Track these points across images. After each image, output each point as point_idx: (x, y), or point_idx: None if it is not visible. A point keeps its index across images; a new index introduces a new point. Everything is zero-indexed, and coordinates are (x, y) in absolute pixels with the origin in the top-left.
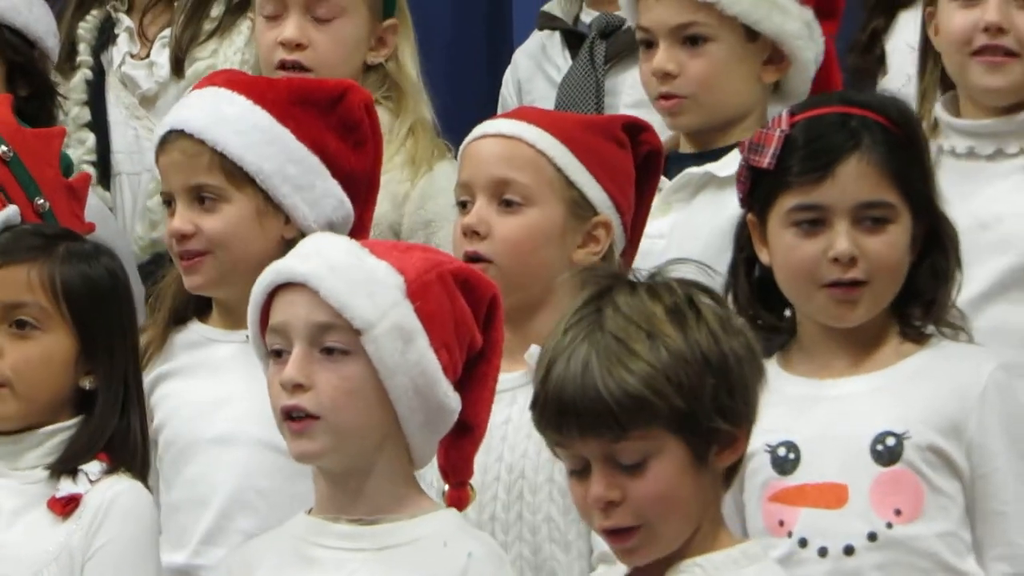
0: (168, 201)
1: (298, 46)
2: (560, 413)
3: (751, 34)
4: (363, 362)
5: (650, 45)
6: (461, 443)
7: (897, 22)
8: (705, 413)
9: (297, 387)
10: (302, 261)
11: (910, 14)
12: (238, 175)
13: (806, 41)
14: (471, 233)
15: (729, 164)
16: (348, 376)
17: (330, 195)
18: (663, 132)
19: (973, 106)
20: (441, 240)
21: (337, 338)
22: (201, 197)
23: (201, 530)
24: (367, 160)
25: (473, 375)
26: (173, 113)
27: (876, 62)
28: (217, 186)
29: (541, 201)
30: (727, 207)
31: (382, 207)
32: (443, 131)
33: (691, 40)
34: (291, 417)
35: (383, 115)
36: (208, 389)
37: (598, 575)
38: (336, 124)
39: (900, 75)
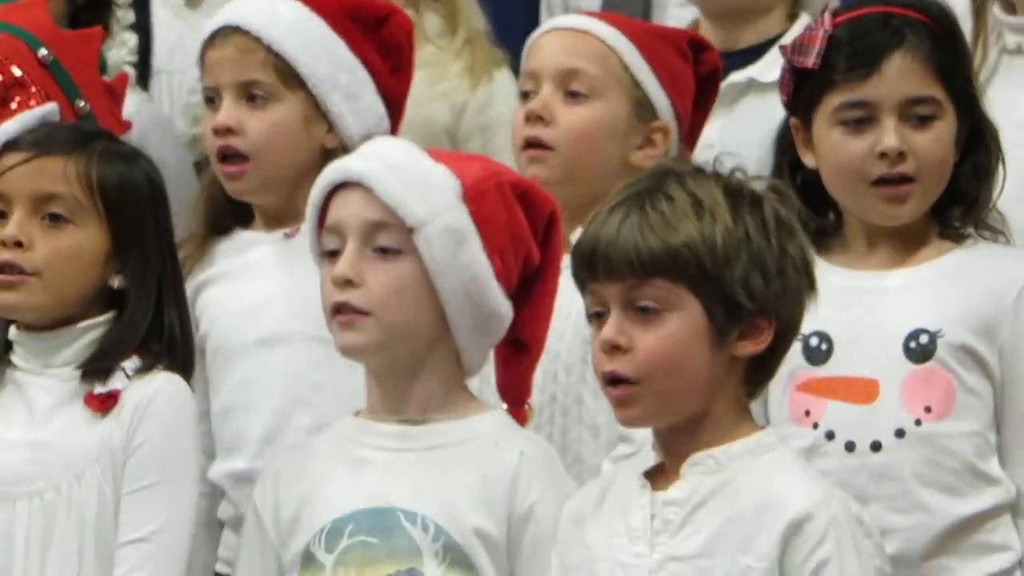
0: (211, 98)
1: None
2: (593, 252)
3: None
4: (415, 261)
5: None
6: (518, 361)
7: None
8: (731, 284)
9: (348, 283)
10: (360, 160)
11: None
12: (291, 76)
13: None
14: (535, 118)
15: (771, 69)
16: (399, 274)
17: (374, 109)
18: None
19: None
20: (498, 146)
21: (390, 237)
22: (252, 95)
23: (258, 433)
24: (401, 86)
25: (531, 292)
26: (228, 10)
27: None
28: (269, 83)
29: (607, 95)
30: (774, 114)
31: (440, 113)
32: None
33: None
34: (340, 311)
35: (435, 21)
36: (249, 292)
37: (616, 453)
38: (379, 44)
39: None
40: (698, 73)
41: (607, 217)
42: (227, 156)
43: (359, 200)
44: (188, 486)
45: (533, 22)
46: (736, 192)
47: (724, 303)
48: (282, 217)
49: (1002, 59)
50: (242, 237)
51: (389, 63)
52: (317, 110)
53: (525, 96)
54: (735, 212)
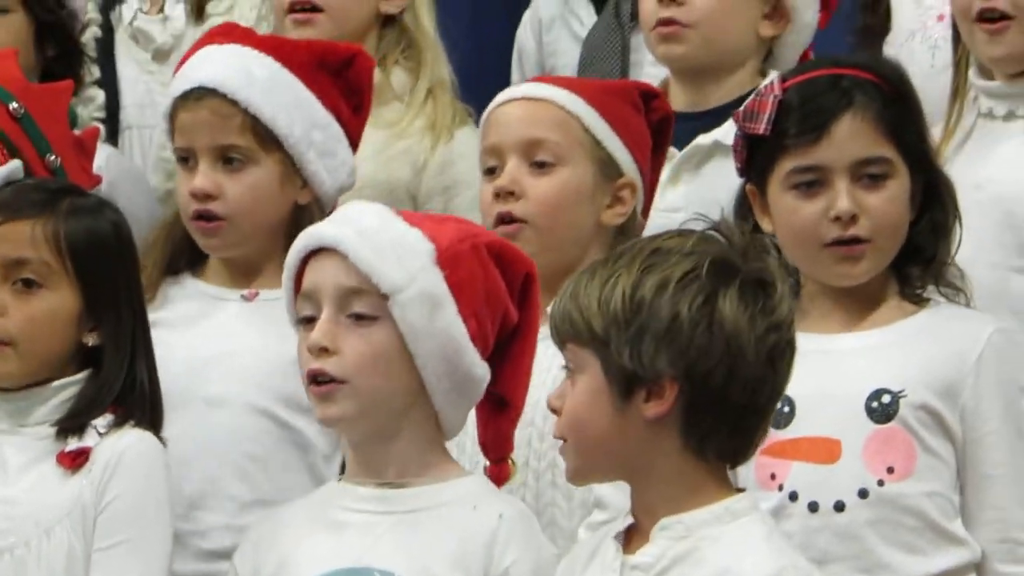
0: (184, 158)
1: None
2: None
3: None
4: (390, 328)
5: None
6: (499, 418)
7: None
8: (617, 347)
9: (323, 351)
10: (334, 226)
11: None
12: (267, 138)
13: (809, 3)
14: (505, 194)
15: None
16: (374, 341)
17: (347, 163)
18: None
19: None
20: (459, 205)
21: (365, 303)
22: (229, 158)
23: (188, 493)
24: (360, 125)
25: (510, 352)
26: (199, 69)
27: (883, 19)
28: (247, 148)
29: (572, 161)
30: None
31: (402, 172)
32: (460, 84)
33: None
34: (316, 381)
35: (400, 75)
36: (202, 347)
37: (592, 519)
38: (345, 88)
39: (902, 32)
40: (650, 121)
41: (564, 288)
42: (203, 216)
43: (334, 267)
44: (159, 543)
45: (506, 78)
46: (663, 253)
47: (617, 366)
48: (244, 271)
49: (977, 122)
50: (197, 286)
51: (351, 104)
52: (292, 168)
53: (490, 172)
54: (643, 276)
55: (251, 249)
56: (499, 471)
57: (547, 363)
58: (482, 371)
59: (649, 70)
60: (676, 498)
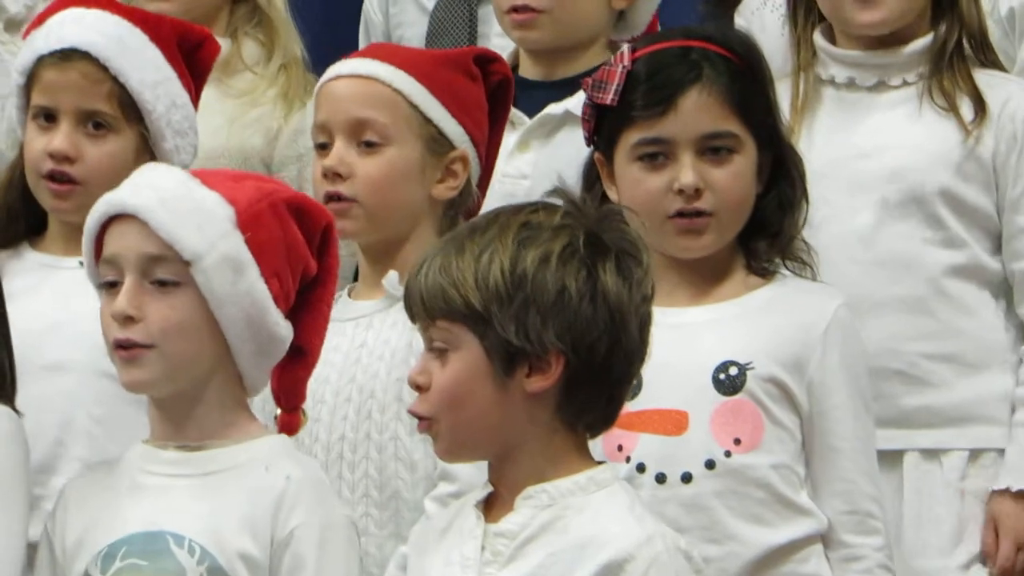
0: (44, 116)
1: None
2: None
3: None
4: (193, 293)
5: None
6: (294, 367)
7: None
8: (501, 323)
9: (128, 319)
10: (133, 193)
11: None
12: (131, 109)
13: None
14: (332, 175)
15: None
16: (178, 307)
17: (194, 144)
18: None
19: (847, 39)
20: (310, 173)
21: (167, 270)
22: (94, 123)
23: (36, 459)
24: (195, 109)
25: (307, 301)
26: (70, 29)
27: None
28: (112, 115)
29: (399, 140)
30: (575, 140)
31: (254, 140)
32: (311, 54)
33: None
34: (122, 347)
35: (252, 47)
36: (41, 316)
37: (438, 492)
38: (194, 70)
39: (754, 0)
40: (489, 85)
41: (422, 262)
42: (56, 178)
43: (135, 234)
44: (17, 505)
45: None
46: (529, 227)
47: (499, 342)
48: (79, 238)
49: (824, 91)
50: (35, 258)
51: (197, 87)
52: (146, 143)
53: (322, 148)
54: (521, 249)
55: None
56: (291, 420)
57: (385, 335)
58: (286, 331)
59: (496, 41)
60: (541, 468)
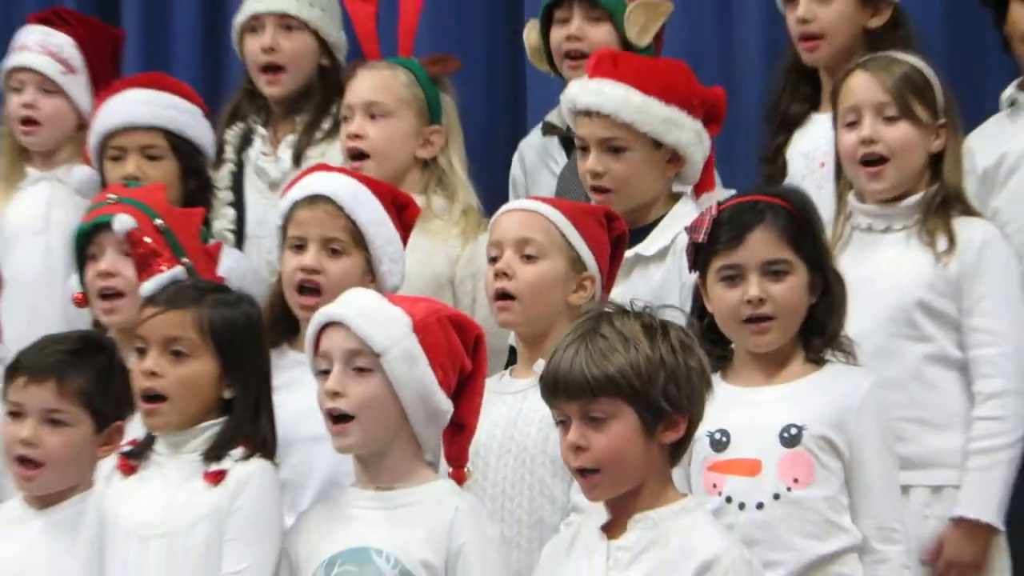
0: (298, 245)
1: (357, 136)
2: (555, 382)
3: (657, 144)
4: (382, 378)
5: (585, 150)
6: (458, 439)
7: (793, 138)
8: (654, 395)
9: (335, 395)
10: (341, 307)
11: (801, 131)
12: (359, 239)
13: (696, 146)
14: (501, 275)
15: (651, 244)
16: (371, 387)
17: (401, 272)
18: None
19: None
20: (482, 287)
21: (364, 360)
22: (332, 248)
23: (307, 502)
24: (404, 242)
25: (466, 390)
26: (317, 182)
27: (780, 169)
28: (345, 241)
29: (551, 255)
30: (651, 275)
31: (441, 266)
32: (480, 194)
33: (610, 146)
34: (332, 418)
35: (440, 202)
36: (300, 400)
37: (570, 521)
38: (401, 221)
39: (796, 178)
40: (611, 236)
41: (562, 354)
42: (304, 289)
43: (341, 335)
44: (271, 543)
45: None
46: (649, 325)
47: (651, 409)
48: None
49: (854, 234)
50: (292, 355)
51: (404, 236)
52: (369, 266)
53: (493, 260)
54: (651, 341)
55: None
56: (458, 476)
57: (535, 405)
58: (447, 406)
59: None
60: (651, 499)
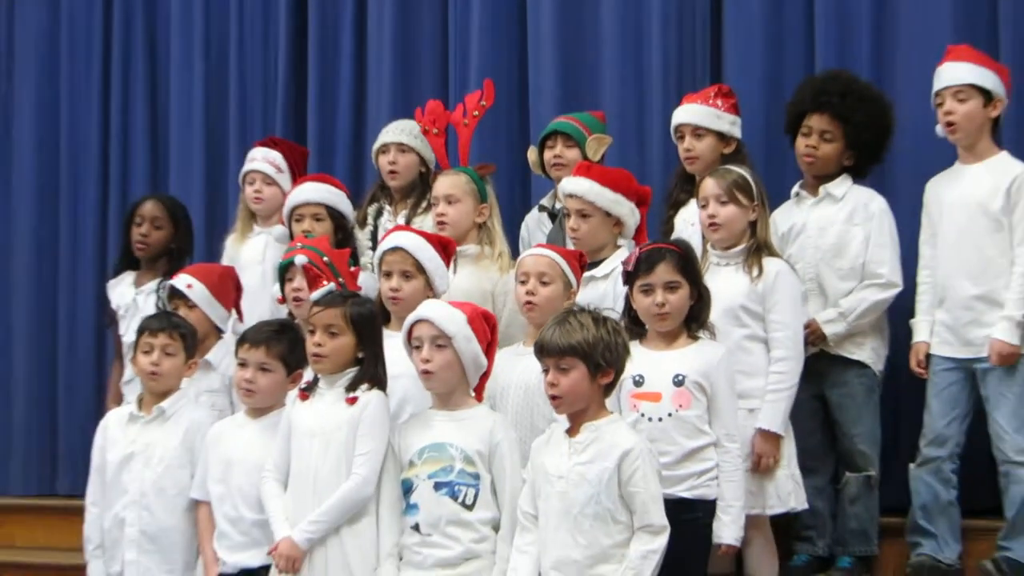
0: (388, 273)
1: (442, 214)
2: (542, 346)
3: (608, 215)
4: (452, 350)
5: (567, 215)
6: (482, 379)
7: (680, 211)
8: (596, 357)
9: (426, 360)
10: (425, 309)
11: (684, 208)
12: (420, 268)
13: (631, 217)
14: (528, 293)
15: (601, 271)
16: (447, 356)
17: (446, 284)
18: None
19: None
20: (511, 299)
21: (442, 340)
22: (405, 275)
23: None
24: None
25: (487, 353)
26: (397, 237)
27: (672, 228)
28: (414, 272)
29: (556, 281)
30: (599, 289)
31: (487, 284)
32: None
33: (582, 214)
34: (423, 372)
35: (487, 248)
36: (388, 355)
37: (551, 428)
38: (444, 257)
39: (681, 233)
40: (580, 267)
41: (547, 331)
42: (391, 300)
43: (427, 326)
44: (383, 438)
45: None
46: (596, 317)
47: (594, 365)
48: (401, 323)
49: (710, 267)
50: (385, 332)
51: (447, 262)
52: (429, 286)
53: (522, 283)
54: (596, 326)
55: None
56: (479, 399)
57: (537, 366)
58: (484, 361)
59: (570, 244)
60: (592, 414)
